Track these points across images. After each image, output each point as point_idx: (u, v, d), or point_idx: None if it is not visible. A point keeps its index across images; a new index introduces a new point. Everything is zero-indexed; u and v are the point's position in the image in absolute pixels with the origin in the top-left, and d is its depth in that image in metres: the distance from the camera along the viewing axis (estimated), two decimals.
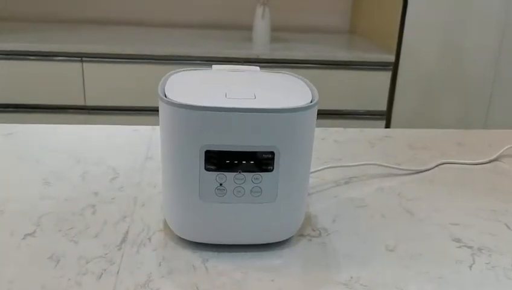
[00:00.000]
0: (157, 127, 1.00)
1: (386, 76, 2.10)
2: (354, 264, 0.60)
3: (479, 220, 0.72)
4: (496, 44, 2.06)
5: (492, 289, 0.57)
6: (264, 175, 0.57)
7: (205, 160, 0.56)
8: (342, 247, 0.63)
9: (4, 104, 2.01)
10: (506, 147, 0.95)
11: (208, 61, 2.01)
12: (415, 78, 2.09)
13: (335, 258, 0.61)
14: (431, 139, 1.02)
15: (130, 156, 0.87)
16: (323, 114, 2.00)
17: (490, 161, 0.93)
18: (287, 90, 0.62)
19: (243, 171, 0.57)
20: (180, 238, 0.63)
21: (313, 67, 2.06)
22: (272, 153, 0.56)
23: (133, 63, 1.99)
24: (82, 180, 0.78)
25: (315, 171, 0.82)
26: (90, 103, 2.03)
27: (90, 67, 1.99)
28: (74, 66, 1.98)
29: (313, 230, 0.67)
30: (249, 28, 2.30)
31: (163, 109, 0.57)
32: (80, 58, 1.97)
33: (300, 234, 0.66)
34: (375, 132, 1.05)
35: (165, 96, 0.57)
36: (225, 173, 0.57)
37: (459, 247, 0.65)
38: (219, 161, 0.56)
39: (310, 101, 0.58)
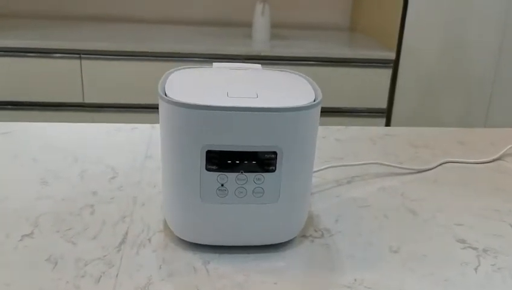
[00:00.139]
0: (157, 125, 0.98)
1: (386, 74, 2.08)
2: (357, 266, 0.59)
3: (483, 220, 0.71)
4: (497, 42, 2.05)
5: None
6: (267, 175, 0.56)
7: (206, 160, 0.55)
8: (345, 248, 0.62)
9: (1, 102, 1.99)
10: (510, 146, 0.94)
11: (208, 58, 2.00)
12: (416, 76, 2.08)
13: (338, 259, 0.60)
14: (432, 138, 1.01)
15: (130, 155, 0.86)
16: (322, 112, 1.98)
17: (493, 160, 0.92)
18: (290, 89, 0.61)
19: (245, 172, 0.56)
20: (180, 239, 0.61)
21: (313, 64, 2.05)
22: (275, 153, 0.55)
23: (131, 60, 1.98)
24: (80, 180, 0.76)
25: (317, 171, 0.80)
26: (88, 100, 2.02)
27: (89, 65, 1.97)
28: (73, 63, 1.96)
29: (316, 231, 0.66)
30: (249, 25, 2.29)
31: (163, 107, 0.56)
32: (78, 55, 1.96)
33: (303, 235, 0.65)
34: (377, 130, 1.04)
35: (165, 94, 0.56)
36: (226, 174, 0.55)
37: (464, 248, 0.64)
38: (220, 161, 0.55)
39: (313, 100, 0.57)
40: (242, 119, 0.53)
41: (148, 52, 1.97)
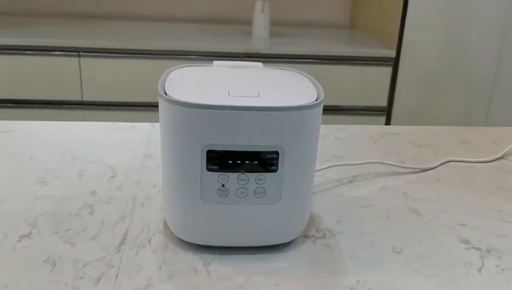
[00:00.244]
0: (156, 124, 0.97)
1: (386, 72, 2.08)
2: (360, 267, 0.58)
3: (486, 220, 0.70)
4: (497, 41, 2.04)
5: None
6: (268, 175, 0.55)
7: (207, 160, 0.54)
8: (347, 249, 0.62)
9: (0, 100, 1.98)
10: None
11: (207, 56, 1.99)
12: (416, 74, 2.07)
13: (341, 260, 0.59)
14: (434, 137, 1.00)
15: (129, 154, 0.85)
16: (322, 110, 1.98)
17: (496, 159, 0.91)
18: (292, 88, 0.60)
19: (246, 172, 0.55)
20: (180, 239, 0.61)
21: (312, 62, 2.04)
22: (276, 152, 0.54)
23: (130, 58, 1.97)
24: (79, 179, 0.76)
25: (318, 170, 0.80)
26: (87, 98, 2.01)
27: (88, 62, 1.96)
28: (71, 61, 1.95)
29: (317, 231, 0.65)
30: (249, 22, 2.28)
31: (163, 106, 0.55)
32: (77, 53, 1.94)
33: (305, 235, 0.64)
34: (377, 128, 1.03)
35: (165, 93, 0.55)
36: (228, 174, 0.55)
37: (468, 249, 0.63)
38: (221, 161, 0.54)
39: (315, 98, 0.56)
40: (244, 118, 0.52)
41: (147, 49, 1.96)
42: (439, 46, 2.03)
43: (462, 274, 0.58)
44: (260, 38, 2.14)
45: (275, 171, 0.55)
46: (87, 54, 1.95)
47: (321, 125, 1.00)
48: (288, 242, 0.61)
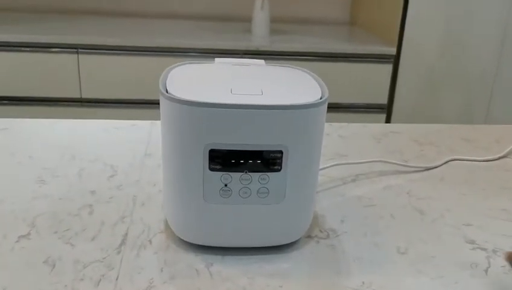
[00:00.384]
0: (156, 122, 0.96)
1: (387, 69, 2.07)
2: (365, 268, 0.57)
3: (491, 220, 0.69)
4: (498, 37, 2.03)
5: None
6: (272, 175, 0.54)
7: (209, 159, 0.53)
8: (351, 249, 0.61)
9: None
10: None
11: (207, 53, 1.98)
12: (416, 71, 2.06)
13: (345, 261, 0.58)
14: (436, 135, 0.99)
15: (129, 153, 0.84)
16: None
17: (499, 158, 0.90)
18: (295, 86, 0.59)
19: (250, 171, 0.54)
20: (182, 240, 0.60)
21: (312, 59, 2.03)
22: (280, 152, 0.53)
23: (129, 54, 1.95)
24: (78, 178, 0.74)
25: (321, 169, 0.79)
26: (86, 95, 1.99)
27: (86, 59, 1.95)
28: (70, 58, 1.94)
29: (321, 231, 0.64)
30: (248, 19, 2.26)
31: (164, 105, 0.54)
32: (75, 50, 1.93)
33: (308, 236, 0.63)
34: (379, 127, 1.02)
35: (167, 91, 0.54)
36: (230, 173, 0.54)
37: (473, 249, 0.62)
38: (224, 160, 0.53)
39: (319, 96, 0.55)
40: (247, 117, 0.51)
41: (146, 46, 1.95)
42: (439, 43, 2.02)
43: (468, 275, 0.57)
44: (260, 36, 2.13)
45: (279, 170, 0.54)
46: (86, 50, 1.93)
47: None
48: (292, 243, 0.60)
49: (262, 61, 0.66)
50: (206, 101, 0.51)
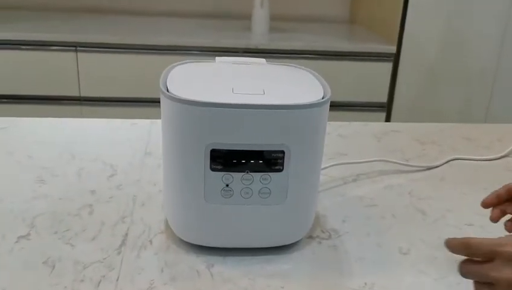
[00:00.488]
0: (156, 121, 0.96)
1: (387, 67, 2.06)
2: (367, 268, 0.57)
3: None
4: (499, 35, 2.02)
5: None
6: (273, 175, 0.54)
7: (211, 159, 0.52)
8: (353, 250, 0.60)
9: None
10: None
11: (206, 51, 1.97)
12: (417, 69, 2.05)
13: (347, 262, 0.58)
14: (438, 134, 0.99)
15: (128, 152, 0.83)
16: None
17: (501, 157, 0.90)
18: (297, 85, 0.59)
19: (251, 171, 0.53)
20: (182, 240, 0.59)
21: (312, 57, 2.02)
22: (282, 152, 0.53)
23: (128, 53, 1.94)
24: (78, 178, 0.74)
25: (323, 168, 0.78)
26: (84, 94, 1.99)
27: (85, 57, 1.94)
28: (68, 56, 1.93)
29: (323, 231, 0.64)
30: (248, 17, 2.25)
31: (165, 104, 0.53)
32: (74, 48, 1.92)
33: (310, 236, 0.62)
34: (380, 125, 1.02)
35: (167, 90, 0.53)
36: (232, 173, 0.53)
37: None
38: (225, 160, 0.52)
39: (321, 96, 0.54)
40: (249, 117, 0.50)
41: (145, 44, 1.94)
42: (440, 40, 2.01)
43: None
44: (259, 33, 2.12)
45: (280, 171, 0.54)
46: (85, 48, 1.92)
47: None
48: (293, 243, 0.60)
49: (263, 60, 0.66)
50: (207, 100, 0.50)
